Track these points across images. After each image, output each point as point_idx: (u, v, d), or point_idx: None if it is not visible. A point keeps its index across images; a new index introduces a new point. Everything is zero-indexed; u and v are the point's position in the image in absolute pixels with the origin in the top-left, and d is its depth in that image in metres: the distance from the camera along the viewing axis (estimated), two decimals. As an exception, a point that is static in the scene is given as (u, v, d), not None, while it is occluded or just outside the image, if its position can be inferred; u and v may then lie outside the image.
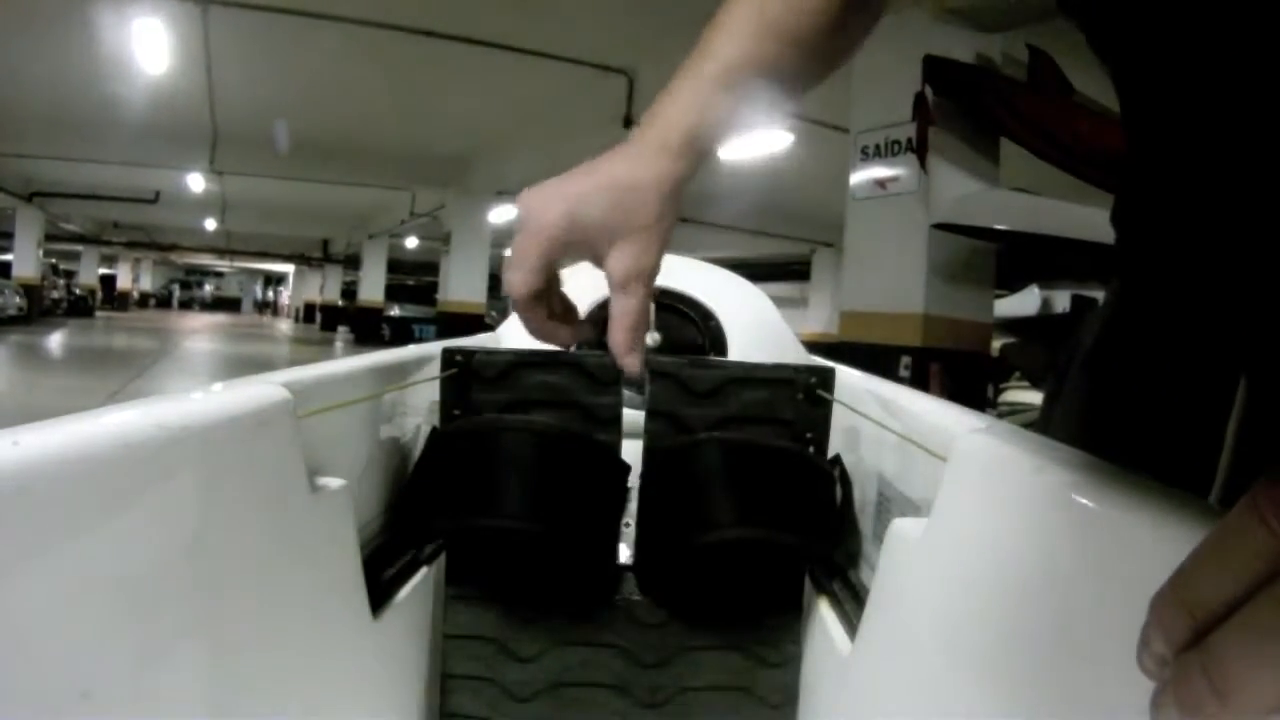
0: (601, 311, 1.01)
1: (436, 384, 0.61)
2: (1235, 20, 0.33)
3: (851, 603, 0.51)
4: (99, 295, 20.92)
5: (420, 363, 0.65)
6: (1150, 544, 0.23)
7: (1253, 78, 0.34)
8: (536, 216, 0.47)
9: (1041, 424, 0.54)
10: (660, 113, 0.50)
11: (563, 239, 0.48)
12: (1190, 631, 0.18)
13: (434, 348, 0.65)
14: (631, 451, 0.60)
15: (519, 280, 0.47)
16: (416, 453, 0.63)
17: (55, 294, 16.24)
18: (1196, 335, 0.43)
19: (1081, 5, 0.42)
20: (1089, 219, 2.89)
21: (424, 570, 0.56)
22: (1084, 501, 0.26)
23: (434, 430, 0.60)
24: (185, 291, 35.20)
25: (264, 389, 0.39)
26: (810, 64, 0.53)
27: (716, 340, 0.98)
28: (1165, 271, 0.45)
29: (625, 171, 0.49)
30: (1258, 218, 0.36)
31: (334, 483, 0.45)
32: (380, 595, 0.50)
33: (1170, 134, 0.41)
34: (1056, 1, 0.45)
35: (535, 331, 0.51)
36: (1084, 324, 0.55)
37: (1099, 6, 0.42)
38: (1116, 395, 0.49)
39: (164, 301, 33.05)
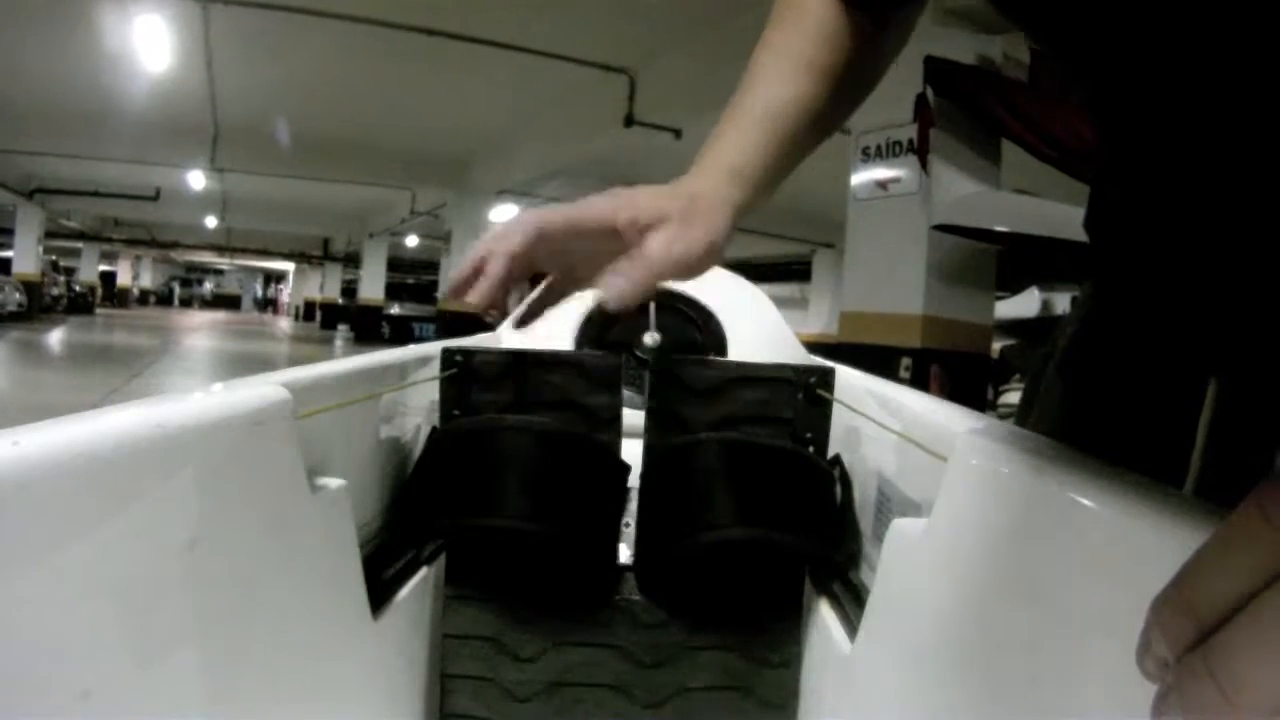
0: (601, 312, 1.01)
1: (436, 384, 0.61)
2: (1197, 36, 0.34)
3: (851, 603, 0.51)
4: (99, 292, 20.91)
5: (420, 363, 0.64)
6: (1150, 544, 0.23)
7: (1215, 93, 0.34)
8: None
9: (1019, 424, 0.55)
10: (708, 151, 0.50)
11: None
12: (1194, 633, 0.17)
13: (433, 348, 0.65)
14: (631, 451, 0.60)
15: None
16: (416, 453, 0.63)
17: (55, 291, 16.23)
18: (1166, 335, 0.44)
19: (1034, 22, 0.43)
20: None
21: (424, 570, 0.56)
22: (1084, 501, 0.26)
23: (434, 430, 0.60)
24: (185, 289, 35.20)
25: (263, 389, 0.39)
26: (845, 94, 0.54)
27: (716, 340, 0.98)
28: (1135, 275, 0.46)
29: (682, 187, 0.49)
30: (1222, 225, 0.37)
31: (333, 483, 0.45)
32: (380, 595, 0.50)
33: (1137, 145, 0.42)
34: (1012, 19, 0.46)
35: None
36: (1059, 326, 0.56)
37: (1059, 26, 0.42)
38: (1090, 394, 0.50)
39: (164, 299, 33.04)
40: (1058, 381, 0.53)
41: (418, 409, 0.66)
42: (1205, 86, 0.35)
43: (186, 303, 34.28)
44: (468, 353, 0.60)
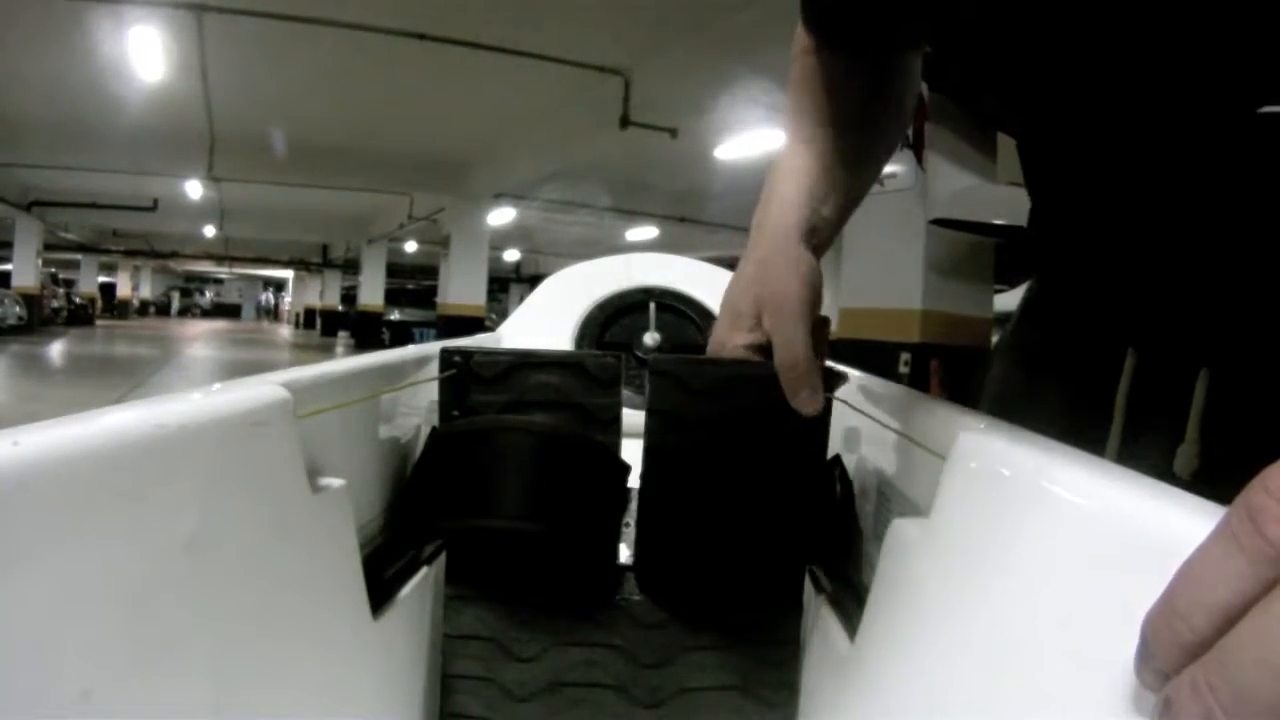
0: (600, 312, 1.01)
1: (435, 384, 0.61)
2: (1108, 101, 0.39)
3: (851, 603, 0.51)
4: (99, 304, 20.92)
5: (419, 363, 0.65)
6: (1151, 545, 0.23)
7: (1127, 144, 0.40)
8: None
9: (975, 405, 0.58)
10: (773, 197, 0.56)
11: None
12: (1190, 646, 0.17)
13: (433, 348, 0.65)
14: (631, 451, 0.60)
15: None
16: (416, 453, 0.63)
17: (55, 303, 16.24)
18: (1092, 313, 0.49)
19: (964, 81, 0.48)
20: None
21: (424, 570, 0.56)
22: (1084, 502, 0.26)
23: (434, 430, 0.60)
24: (186, 299, 35.21)
25: (263, 389, 0.39)
26: (872, 130, 0.60)
27: None
28: (1068, 268, 0.51)
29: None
30: (1133, 235, 0.43)
31: (334, 483, 0.45)
32: (380, 595, 0.50)
33: (1060, 180, 0.48)
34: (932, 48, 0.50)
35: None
36: (1012, 323, 0.60)
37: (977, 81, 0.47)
38: (1021, 369, 0.55)
39: (164, 309, 33.04)
40: (998, 362, 0.57)
41: (417, 409, 0.66)
42: (1120, 144, 0.41)
43: (187, 311, 34.29)
44: (466, 353, 0.61)
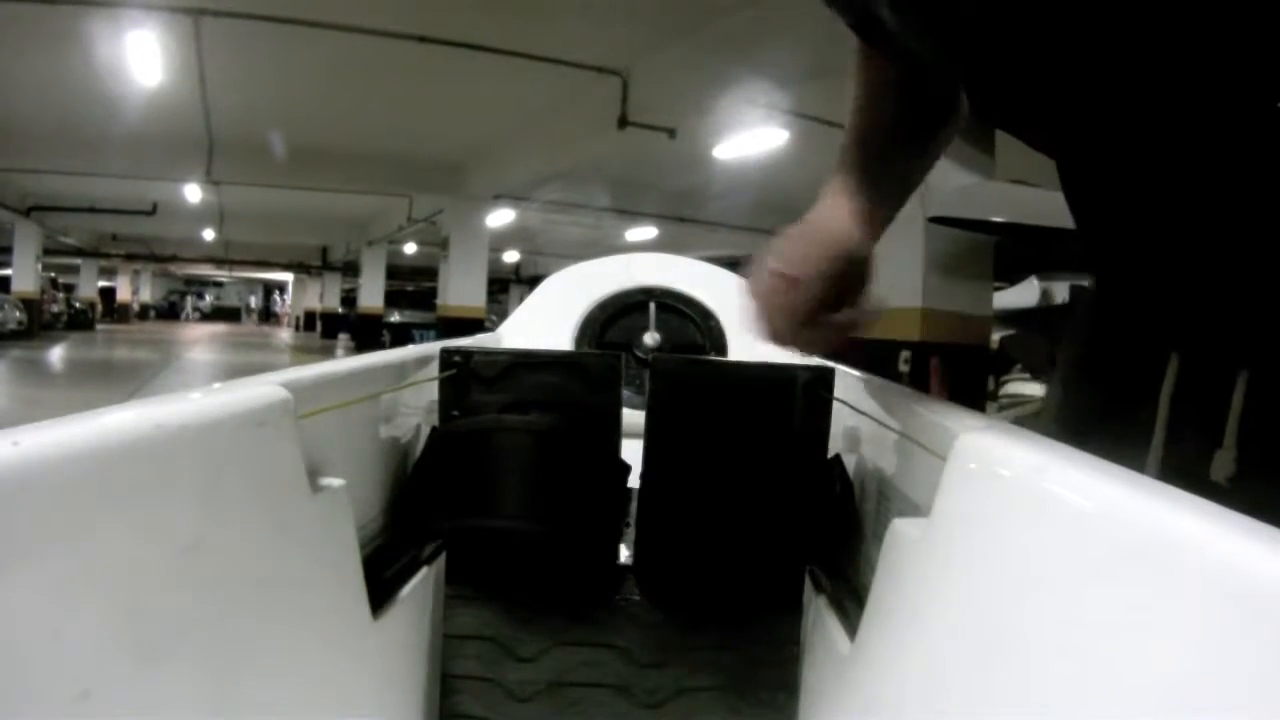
0: (601, 312, 1.01)
1: (435, 384, 0.61)
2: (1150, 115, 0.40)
3: (851, 603, 0.51)
4: (99, 308, 20.90)
5: (419, 363, 0.65)
6: (1150, 545, 0.22)
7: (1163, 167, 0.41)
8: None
9: (1045, 426, 0.58)
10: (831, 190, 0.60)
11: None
12: None
13: (432, 348, 0.65)
14: (632, 451, 0.60)
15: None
16: (416, 453, 0.63)
17: (55, 308, 16.24)
18: (1139, 322, 0.50)
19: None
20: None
21: (424, 570, 0.56)
22: (1083, 502, 0.26)
23: (434, 430, 0.60)
24: (186, 301, 35.17)
25: (264, 389, 0.39)
26: (903, 164, 0.62)
27: (716, 340, 0.99)
28: (1117, 276, 0.53)
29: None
30: (1179, 234, 0.44)
31: (334, 483, 0.45)
32: (380, 595, 0.50)
33: (1101, 186, 0.49)
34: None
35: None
36: (1072, 327, 0.59)
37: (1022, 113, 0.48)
38: (1078, 382, 0.56)
39: (164, 313, 32.97)
40: (1057, 374, 0.58)
41: (417, 409, 0.66)
42: (1156, 167, 0.42)
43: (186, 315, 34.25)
44: (466, 353, 0.61)
